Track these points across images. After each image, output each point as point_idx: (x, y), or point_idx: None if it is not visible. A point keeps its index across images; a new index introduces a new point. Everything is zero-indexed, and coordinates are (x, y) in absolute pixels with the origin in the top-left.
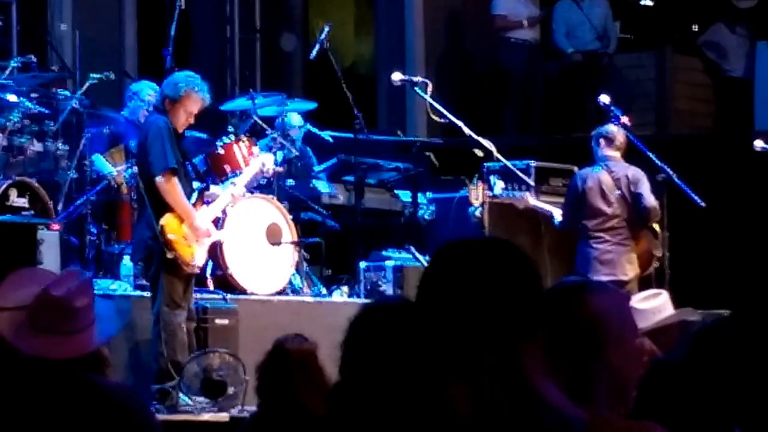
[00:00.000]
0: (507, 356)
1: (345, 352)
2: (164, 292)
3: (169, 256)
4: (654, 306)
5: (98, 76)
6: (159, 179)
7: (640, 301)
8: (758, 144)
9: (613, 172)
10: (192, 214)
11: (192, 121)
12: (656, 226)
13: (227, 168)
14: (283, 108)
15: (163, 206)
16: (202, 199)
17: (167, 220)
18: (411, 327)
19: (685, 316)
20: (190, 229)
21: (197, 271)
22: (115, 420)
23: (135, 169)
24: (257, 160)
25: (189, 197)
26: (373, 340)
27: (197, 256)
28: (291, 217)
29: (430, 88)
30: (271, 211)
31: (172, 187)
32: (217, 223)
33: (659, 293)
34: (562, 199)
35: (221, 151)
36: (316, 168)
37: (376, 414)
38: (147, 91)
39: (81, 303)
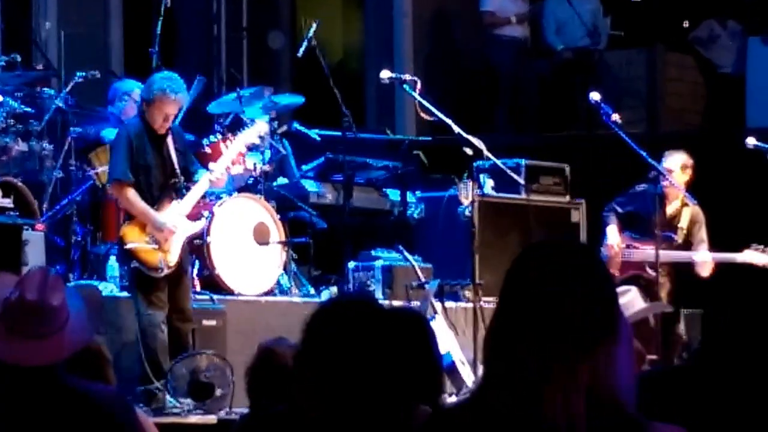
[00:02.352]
0: (590, 361)
1: (303, 350)
2: (140, 293)
3: (133, 265)
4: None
5: (83, 74)
6: (110, 189)
7: None
8: (750, 141)
9: None
10: (150, 217)
11: (170, 122)
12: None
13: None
14: (270, 106)
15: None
16: (171, 197)
17: (125, 230)
18: (370, 324)
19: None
20: (154, 231)
21: (167, 271)
22: (99, 425)
23: None
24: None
25: (164, 196)
26: (331, 337)
27: (169, 257)
28: (279, 216)
29: (418, 86)
30: (259, 210)
31: (121, 197)
32: (198, 215)
33: (628, 289)
34: (553, 198)
35: (208, 150)
36: (304, 167)
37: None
38: (133, 89)
39: (56, 301)
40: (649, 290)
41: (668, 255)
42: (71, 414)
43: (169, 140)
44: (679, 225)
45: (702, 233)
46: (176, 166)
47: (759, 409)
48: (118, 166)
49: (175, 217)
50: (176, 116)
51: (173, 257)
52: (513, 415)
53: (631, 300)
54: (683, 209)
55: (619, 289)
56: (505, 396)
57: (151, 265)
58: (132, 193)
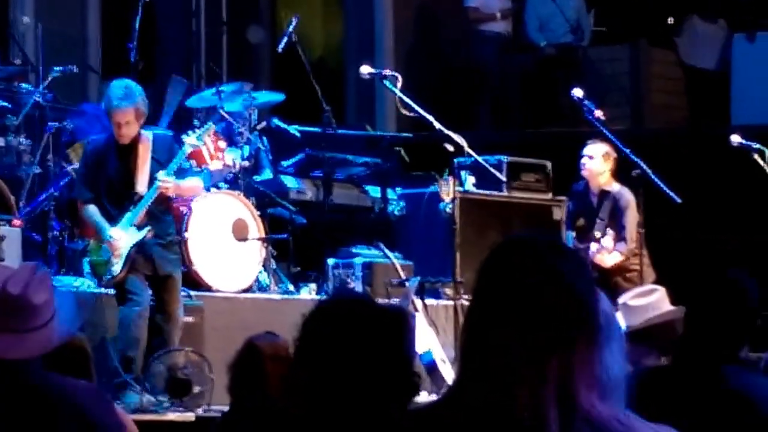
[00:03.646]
0: (562, 357)
1: (298, 349)
2: (116, 291)
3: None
4: (651, 302)
5: (61, 69)
6: None
7: (632, 297)
8: (735, 139)
9: None
10: (99, 231)
11: (126, 130)
12: None
13: (193, 162)
14: (250, 102)
15: None
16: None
17: (90, 244)
18: (366, 323)
19: (681, 314)
20: (107, 245)
21: (114, 281)
22: (73, 420)
23: None
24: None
25: (127, 206)
26: (326, 336)
27: (113, 268)
28: (258, 212)
29: (399, 82)
30: (238, 206)
31: (80, 212)
32: (182, 220)
33: (655, 289)
34: (534, 195)
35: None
36: (284, 163)
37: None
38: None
39: (39, 299)
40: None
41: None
42: (43, 409)
43: (140, 149)
44: (599, 215)
45: (624, 220)
46: (138, 176)
47: (736, 404)
48: (76, 184)
49: (119, 230)
50: (140, 124)
51: (117, 267)
52: (487, 411)
53: (658, 300)
54: (604, 197)
55: (644, 288)
56: (479, 391)
57: (99, 277)
58: (87, 211)
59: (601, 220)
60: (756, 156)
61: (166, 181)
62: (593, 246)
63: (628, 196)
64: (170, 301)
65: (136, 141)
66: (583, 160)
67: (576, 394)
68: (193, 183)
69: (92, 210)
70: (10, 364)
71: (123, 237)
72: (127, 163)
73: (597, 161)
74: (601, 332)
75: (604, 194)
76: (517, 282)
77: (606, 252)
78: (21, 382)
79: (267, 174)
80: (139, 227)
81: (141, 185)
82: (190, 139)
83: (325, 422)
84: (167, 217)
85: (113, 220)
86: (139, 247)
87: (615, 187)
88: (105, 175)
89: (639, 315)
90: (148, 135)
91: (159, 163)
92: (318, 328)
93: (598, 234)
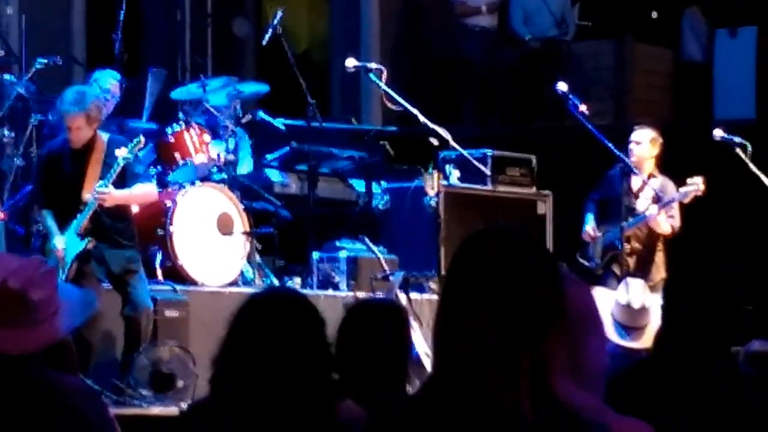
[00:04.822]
0: (532, 349)
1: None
2: None
3: None
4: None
5: (45, 61)
6: None
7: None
8: (717, 133)
9: None
10: (48, 239)
11: (76, 135)
12: None
13: (177, 156)
14: (235, 94)
15: None
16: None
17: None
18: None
19: None
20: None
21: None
22: (63, 415)
23: None
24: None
25: (75, 213)
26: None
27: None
28: (243, 206)
29: (384, 75)
30: (222, 200)
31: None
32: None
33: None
34: (519, 189)
35: (171, 139)
36: (269, 156)
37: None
38: (108, 80)
39: (39, 295)
40: (621, 265)
41: (627, 224)
42: (41, 406)
43: (93, 155)
44: (643, 196)
45: (671, 203)
46: (86, 182)
47: (715, 396)
48: (33, 188)
49: (62, 239)
50: (79, 128)
51: (62, 273)
52: (463, 401)
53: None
54: (651, 181)
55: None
56: (455, 382)
57: None
58: (41, 215)
59: (645, 200)
60: (738, 150)
61: (102, 192)
62: (652, 208)
63: (672, 185)
64: (134, 294)
65: (91, 145)
66: (630, 146)
67: (550, 383)
68: (144, 190)
69: (46, 215)
70: (9, 359)
71: (66, 245)
72: (80, 167)
73: (644, 146)
74: (577, 324)
75: (650, 178)
76: (489, 272)
77: (664, 214)
78: (19, 377)
79: (275, 175)
80: (82, 236)
81: (87, 193)
82: (120, 152)
83: (256, 407)
84: (120, 224)
85: (64, 226)
86: (88, 254)
87: (658, 176)
88: (57, 179)
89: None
90: (104, 139)
91: (108, 166)
92: (248, 319)
93: (643, 207)
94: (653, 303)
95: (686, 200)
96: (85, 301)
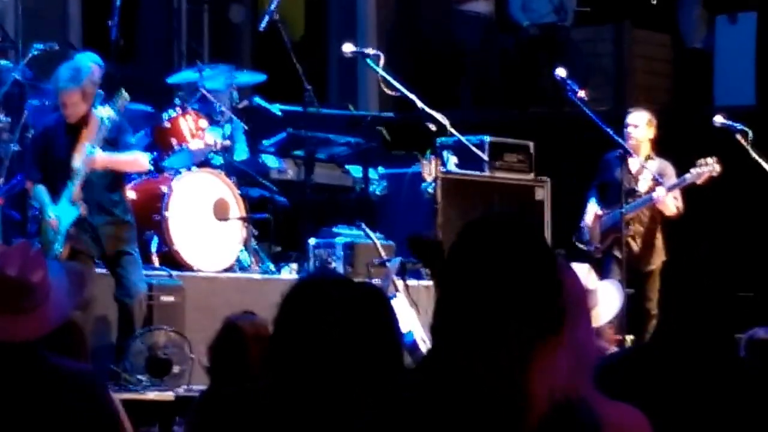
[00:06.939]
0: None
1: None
2: None
3: None
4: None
5: (41, 46)
6: None
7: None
8: (718, 120)
9: None
10: (43, 212)
11: (70, 110)
12: None
13: (173, 141)
14: (231, 80)
15: None
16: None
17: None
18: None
19: None
20: (48, 223)
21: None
22: (70, 401)
23: None
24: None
25: (67, 184)
26: (307, 314)
27: (55, 247)
28: (239, 192)
29: (382, 61)
30: (219, 186)
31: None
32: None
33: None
34: (517, 175)
35: (167, 125)
36: (265, 142)
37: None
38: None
39: (37, 277)
40: (622, 248)
41: (631, 207)
42: (46, 391)
43: (89, 128)
44: (642, 178)
45: (670, 183)
46: (78, 152)
47: (714, 387)
48: (25, 164)
49: (57, 208)
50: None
51: (59, 245)
52: (459, 391)
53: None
54: (648, 163)
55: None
56: (450, 371)
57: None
58: (34, 191)
59: (645, 182)
60: (739, 136)
61: (91, 155)
62: (660, 190)
63: (671, 167)
64: (127, 277)
65: (85, 120)
66: (628, 129)
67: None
68: (132, 156)
69: (39, 190)
70: (13, 345)
71: (60, 214)
72: (74, 141)
73: (642, 129)
74: (570, 313)
75: (648, 160)
76: (487, 264)
77: (671, 196)
78: (27, 364)
79: (272, 160)
80: (75, 203)
81: (77, 161)
82: (104, 111)
83: (307, 402)
84: (113, 195)
85: (58, 197)
86: (84, 227)
87: (656, 158)
88: (52, 154)
89: None
90: (97, 116)
91: (109, 142)
92: (298, 307)
93: (644, 189)
94: (597, 286)
95: (700, 181)
96: (72, 275)
